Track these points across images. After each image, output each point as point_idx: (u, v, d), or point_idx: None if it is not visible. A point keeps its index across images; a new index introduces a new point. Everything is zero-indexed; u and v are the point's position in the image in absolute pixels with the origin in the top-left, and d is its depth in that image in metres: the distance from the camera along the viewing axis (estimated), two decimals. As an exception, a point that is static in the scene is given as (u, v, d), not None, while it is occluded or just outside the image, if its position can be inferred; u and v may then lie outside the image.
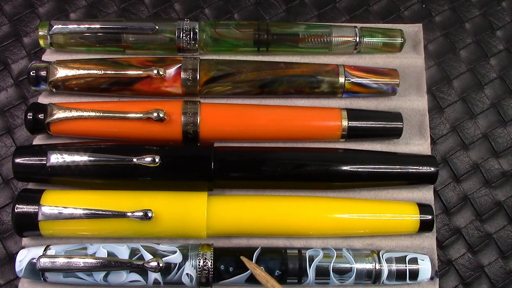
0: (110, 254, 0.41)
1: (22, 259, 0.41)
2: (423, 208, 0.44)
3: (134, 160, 0.42)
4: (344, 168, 0.44)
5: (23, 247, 0.43)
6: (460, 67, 0.51)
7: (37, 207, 0.41)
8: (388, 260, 0.43)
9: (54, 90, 0.46)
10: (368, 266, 0.42)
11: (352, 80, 0.47)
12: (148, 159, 0.41)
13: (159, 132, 0.44)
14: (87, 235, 0.43)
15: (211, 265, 0.41)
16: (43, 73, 0.45)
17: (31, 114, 0.44)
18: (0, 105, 0.49)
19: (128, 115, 0.44)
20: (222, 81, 0.46)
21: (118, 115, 0.44)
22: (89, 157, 0.42)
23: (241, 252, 0.42)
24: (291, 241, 0.45)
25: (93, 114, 0.44)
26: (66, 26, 0.46)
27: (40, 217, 0.41)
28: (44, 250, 0.41)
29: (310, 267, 0.42)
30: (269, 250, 0.43)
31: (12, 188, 0.47)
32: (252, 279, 0.41)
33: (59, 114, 0.44)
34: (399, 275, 0.42)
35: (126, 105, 0.45)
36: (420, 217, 0.44)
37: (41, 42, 0.47)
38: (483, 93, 0.51)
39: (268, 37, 0.48)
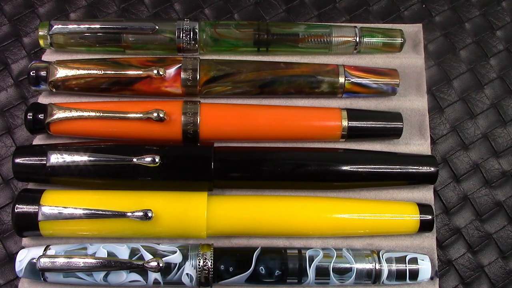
0: (110, 254, 0.41)
1: (22, 259, 0.41)
2: (423, 208, 0.44)
3: (134, 160, 0.42)
4: (344, 168, 0.44)
5: (23, 247, 0.43)
6: (460, 67, 0.51)
7: (37, 207, 0.41)
8: (388, 260, 0.43)
9: (54, 90, 0.46)
10: (368, 266, 0.42)
11: (352, 80, 0.47)
12: (148, 159, 0.41)
13: (159, 132, 0.44)
14: (87, 235, 0.43)
15: (211, 265, 0.41)
16: (43, 73, 0.45)
17: (31, 114, 0.44)
18: (0, 105, 0.49)
19: (128, 115, 0.44)
20: (222, 81, 0.46)
21: (118, 115, 0.44)
22: (89, 157, 0.42)
23: (241, 252, 0.42)
24: (291, 241, 0.45)
25: (93, 114, 0.44)
26: (66, 26, 0.46)
27: (40, 217, 0.41)
28: (44, 250, 0.41)
29: (310, 267, 0.42)
30: (269, 250, 0.43)
31: (12, 188, 0.47)
32: (252, 279, 0.41)
33: (59, 114, 0.44)
34: (399, 275, 0.42)
35: (126, 105, 0.45)
36: (420, 217, 0.44)
37: (41, 42, 0.47)
38: (483, 93, 0.51)
39: (268, 37, 0.48)
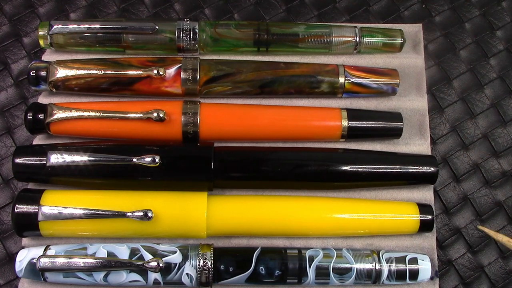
0: (110, 254, 0.41)
1: (22, 259, 0.41)
2: (423, 208, 0.44)
3: (134, 160, 0.42)
4: (344, 168, 0.44)
5: (23, 247, 0.43)
6: (460, 67, 0.51)
7: (37, 207, 0.41)
8: (388, 260, 0.43)
9: (54, 90, 0.46)
10: (368, 266, 0.42)
11: (352, 80, 0.47)
12: (148, 159, 0.41)
13: (159, 132, 0.44)
14: (87, 235, 0.43)
15: (211, 265, 0.41)
16: (43, 73, 0.45)
17: (31, 114, 0.44)
18: (0, 105, 0.49)
19: (128, 115, 0.44)
20: (222, 81, 0.46)
21: (118, 115, 0.44)
22: (89, 157, 0.42)
23: (241, 252, 0.42)
24: (291, 241, 0.45)
25: (93, 114, 0.44)
26: (66, 26, 0.46)
27: (40, 217, 0.41)
28: (44, 250, 0.41)
29: (310, 267, 0.42)
30: (269, 250, 0.43)
31: (12, 188, 0.47)
32: (252, 279, 0.41)
33: (59, 114, 0.44)
34: (399, 275, 0.42)
35: (126, 105, 0.45)
36: (420, 217, 0.44)
37: (41, 42, 0.47)
38: (483, 93, 0.51)
39: (268, 37, 0.48)
